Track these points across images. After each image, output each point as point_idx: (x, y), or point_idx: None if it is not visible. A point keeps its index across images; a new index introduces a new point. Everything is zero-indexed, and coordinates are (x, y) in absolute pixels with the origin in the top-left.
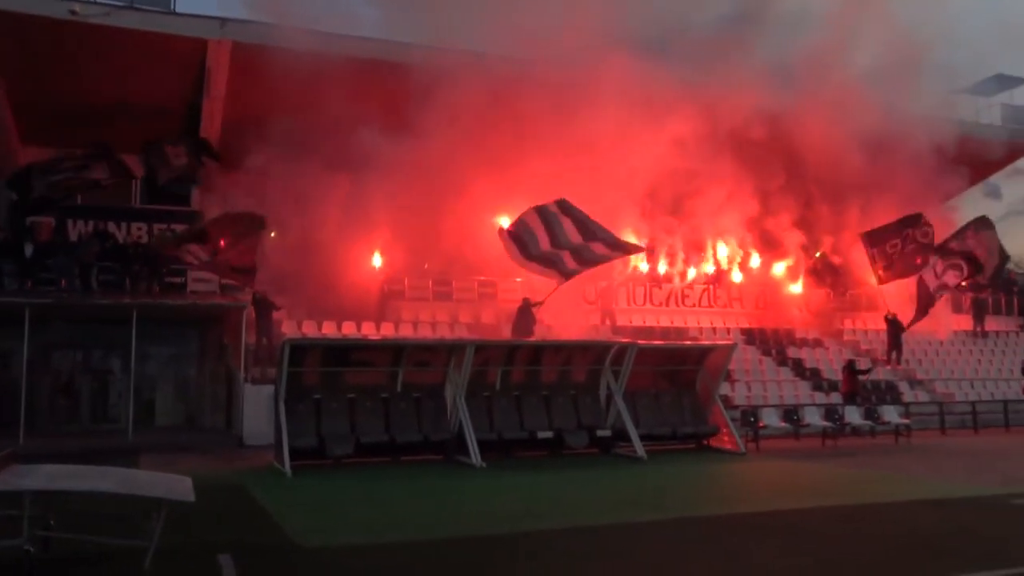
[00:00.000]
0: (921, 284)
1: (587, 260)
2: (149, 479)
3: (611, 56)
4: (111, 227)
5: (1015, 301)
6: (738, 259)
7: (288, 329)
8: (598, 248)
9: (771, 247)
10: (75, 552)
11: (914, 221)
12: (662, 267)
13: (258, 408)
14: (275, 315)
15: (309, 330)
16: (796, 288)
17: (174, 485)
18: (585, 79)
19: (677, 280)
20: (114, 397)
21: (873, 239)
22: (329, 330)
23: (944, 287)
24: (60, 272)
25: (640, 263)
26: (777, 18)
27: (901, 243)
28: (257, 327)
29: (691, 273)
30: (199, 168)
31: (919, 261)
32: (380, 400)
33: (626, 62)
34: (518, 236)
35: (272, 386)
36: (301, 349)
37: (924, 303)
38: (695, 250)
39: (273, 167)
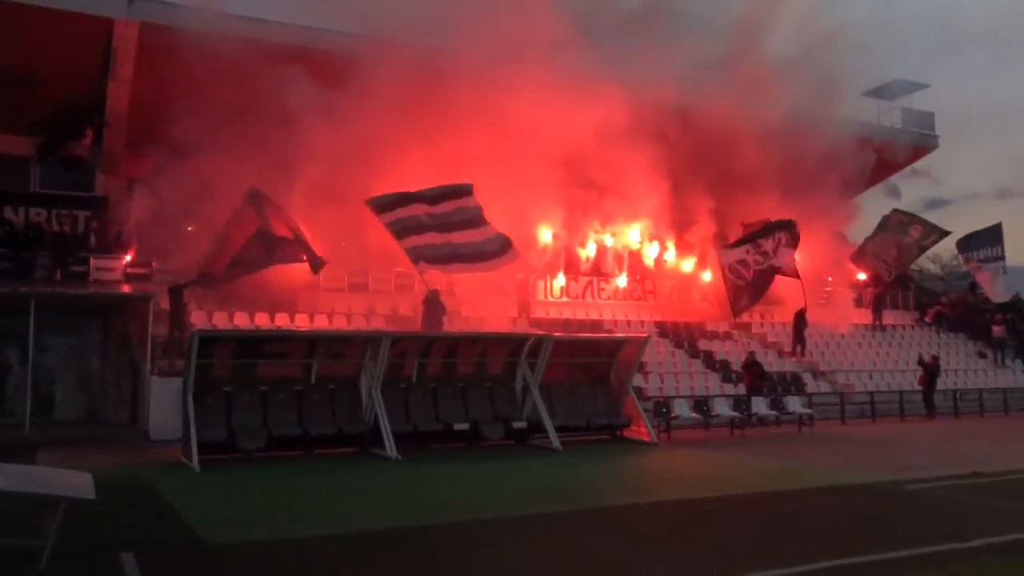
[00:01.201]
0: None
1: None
2: (45, 475)
3: (533, 43)
4: (7, 212)
5: (911, 296)
6: (651, 247)
7: (198, 320)
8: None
9: (683, 239)
10: None
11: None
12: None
13: (165, 402)
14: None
15: (220, 321)
16: (704, 280)
17: (72, 481)
18: (507, 67)
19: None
20: (10, 390)
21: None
22: (241, 321)
23: None
24: None
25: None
26: (686, 10)
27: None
28: (171, 318)
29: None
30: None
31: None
32: (293, 392)
33: (547, 49)
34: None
35: (181, 379)
36: (211, 341)
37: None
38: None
39: (182, 152)
